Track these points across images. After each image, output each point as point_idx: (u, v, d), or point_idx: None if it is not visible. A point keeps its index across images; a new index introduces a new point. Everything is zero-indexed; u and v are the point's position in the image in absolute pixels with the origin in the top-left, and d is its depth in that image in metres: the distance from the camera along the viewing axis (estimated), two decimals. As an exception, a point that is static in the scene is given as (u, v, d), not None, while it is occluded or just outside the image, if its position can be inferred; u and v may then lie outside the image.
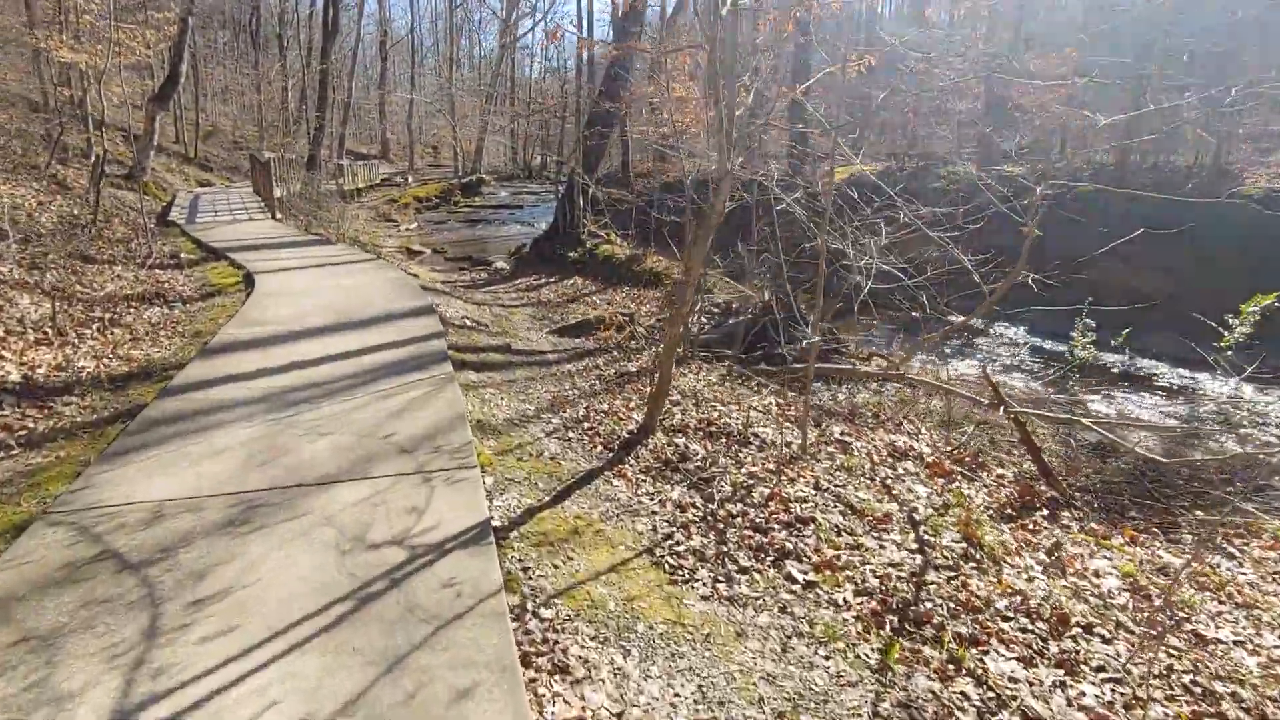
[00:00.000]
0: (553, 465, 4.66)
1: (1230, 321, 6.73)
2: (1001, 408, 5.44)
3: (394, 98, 47.37)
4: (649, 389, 6.69)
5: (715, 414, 6.06)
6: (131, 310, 7.89)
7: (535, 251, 17.19)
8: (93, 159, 12.41)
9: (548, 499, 4.14)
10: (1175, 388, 10.14)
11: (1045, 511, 5.23)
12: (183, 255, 10.93)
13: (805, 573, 3.74)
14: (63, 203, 12.79)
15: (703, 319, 11.49)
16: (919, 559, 4.00)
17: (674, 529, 4.04)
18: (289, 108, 31.63)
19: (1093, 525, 5.15)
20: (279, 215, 15.19)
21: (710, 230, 4.80)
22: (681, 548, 3.83)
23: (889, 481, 5.05)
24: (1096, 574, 4.33)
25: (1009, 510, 5.17)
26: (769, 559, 3.85)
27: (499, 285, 14.99)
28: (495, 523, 3.68)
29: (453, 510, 3.57)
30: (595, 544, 3.75)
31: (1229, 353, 6.63)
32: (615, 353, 8.16)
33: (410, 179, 38.34)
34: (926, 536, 4.24)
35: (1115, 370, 10.61)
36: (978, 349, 12.40)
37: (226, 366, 5.77)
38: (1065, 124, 19.75)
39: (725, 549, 3.87)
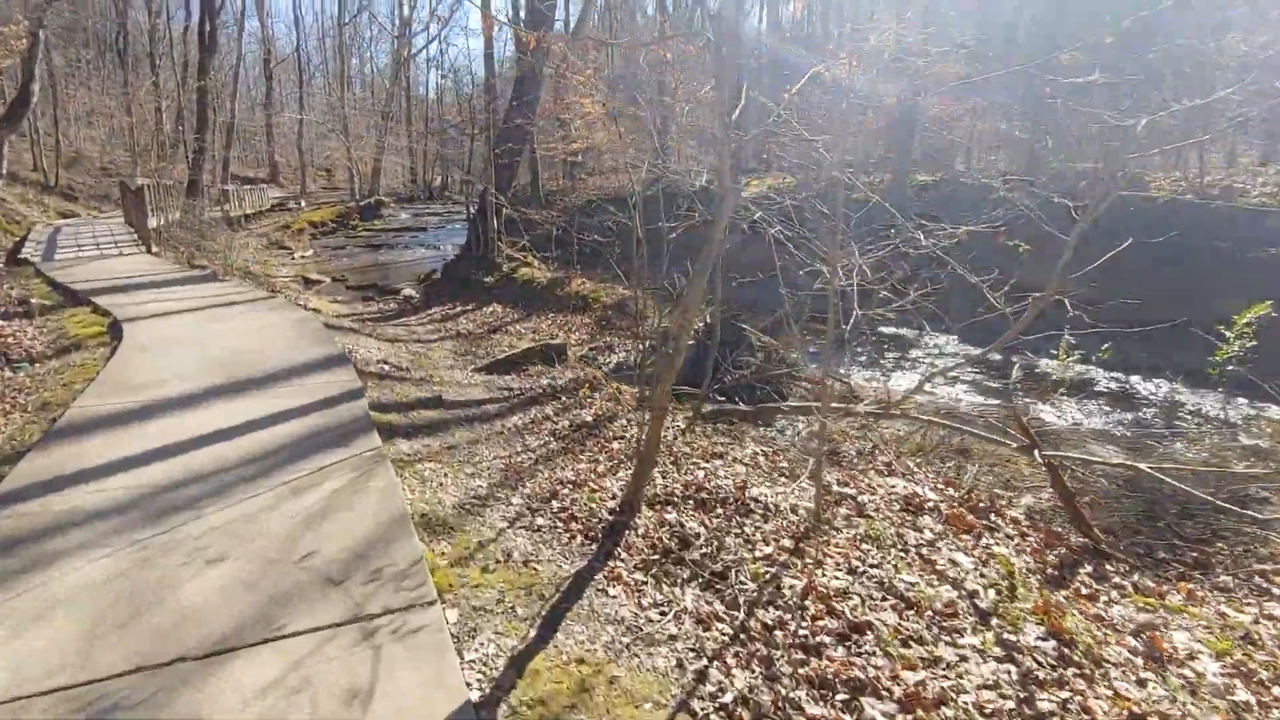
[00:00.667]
0: (528, 574, 3.54)
1: (1226, 333, 6.28)
2: (1035, 451, 4.68)
3: (281, 119, 44.53)
4: (615, 444, 5.64)
5: (701, 473, 5.07)
6: (-41, 378, 6.25)
7: (447, 277, 15.85)
8: (-81, 191, 10.36)
9: (534, 634, 3.03)
10: (1171, 402, 9.50)
11: (1089, 568, 4.50)
12: (34, 301, 9.11)
13: (892, 716, 2.79)
14: (-120, 243, 10.65)
15: (638, 346, 10.51)
16: (1013, 670, 3.12)
17: (706, 661, 3.01)
18: (164, 130, 28.92)
19: (1146, 582, 4.45)
20: (155, 249, 13.30)
21: (710, 261, 3.82)
22: (727, 697, 2.79)
23: (924, 551, 4.18)
24: (1191, 656, 3.58)
25: (1052, 570, 4.40)
26: (838, 696, 2.87)
27: (411, 317, 13.59)
28: (475, 695, 2.55)
29: (414, 689, 2.43)
30: (613, 704, 2.67)
31: (1229, 366, 6.17)
32: (564, 397, 7.05)
33: (303, 203, 35.91)
34: (1006, 636, 3.37)
35: (1106, 386, 10.11)
36: (919, 363, 11.89)
37: (80, 455, 4.36)
38: (971, 132, 19.95)
39: (780, 689, 2.87)
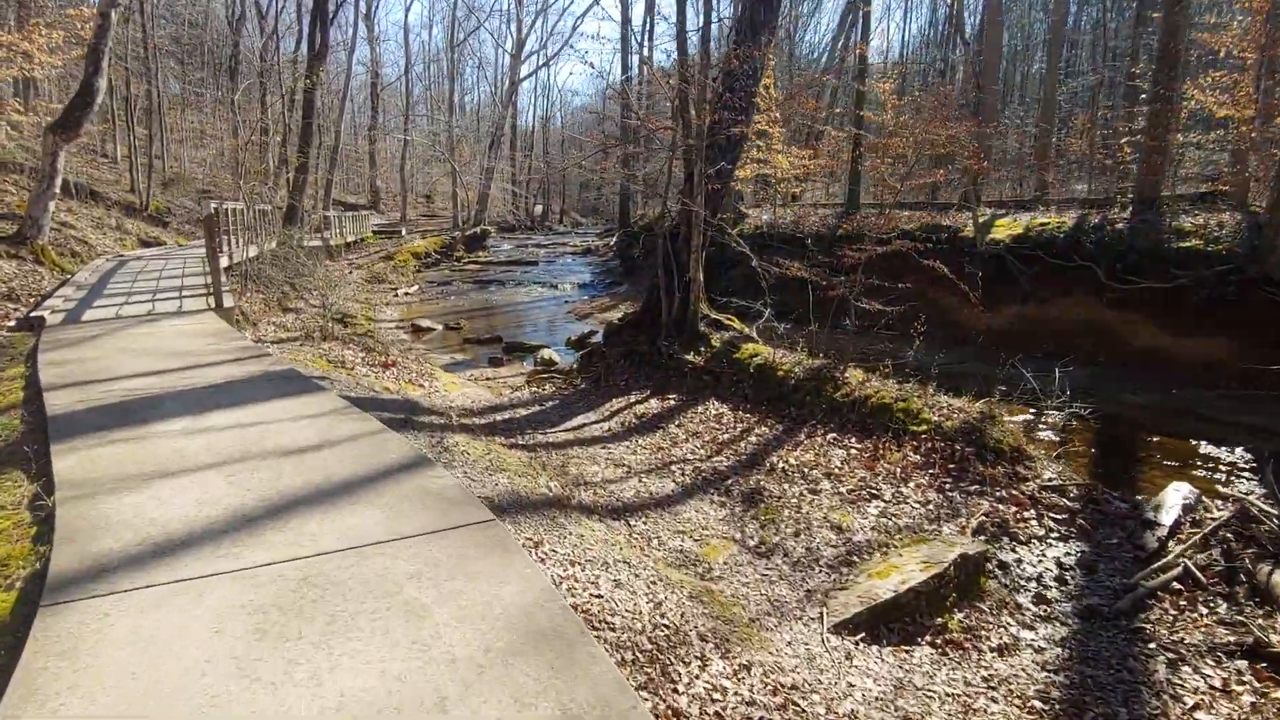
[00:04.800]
0: None
1: None
2: None
3: (384, 144, 40.95)
4: None
5: None
6: None
7: (617, 344, 10.82)
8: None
9: None
10: None
11: None
12: (-33, 434, 4.38)
13: None
14: None
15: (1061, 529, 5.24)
16: None
17: None
18: (269, 147, 25.04)
19: None
20: (228, 303, 8.65)
21: None
22: None
23: None
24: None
25: None
26: None
27: (589, 415, 8.57)
28: None
29: None
30: None
31: None
32: None
33: (404, 231, 31.87)
34: None
35: None
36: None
37: None
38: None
39: None
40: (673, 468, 6.58)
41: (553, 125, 44.29)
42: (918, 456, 6.50)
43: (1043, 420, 8.18)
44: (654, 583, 3.92)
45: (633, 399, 9.05)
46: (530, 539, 3.86)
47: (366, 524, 3.05)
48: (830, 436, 7.16)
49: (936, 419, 6.81)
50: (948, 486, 6.02)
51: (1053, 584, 4.82)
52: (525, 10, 30.67)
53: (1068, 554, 5.21)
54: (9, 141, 16.96)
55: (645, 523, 5.14)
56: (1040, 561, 5.11)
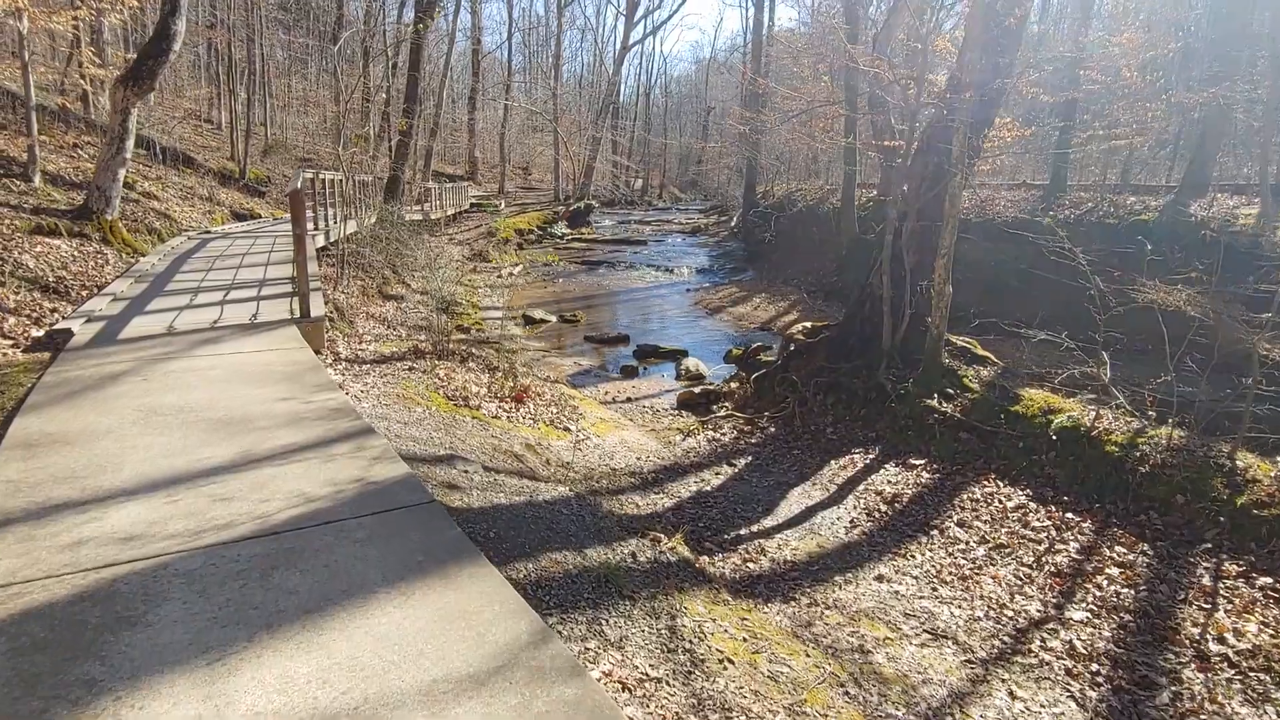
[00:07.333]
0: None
1: None
2: None
3: (483, 114, 38.75)
4: None
5: None
6: None
7: (809, 370, 7.94)
8: None
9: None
10: None
11: None
12: None
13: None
14: None
15: None
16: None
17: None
18: (370, 113, 23.00)
19: None
20: (317, 308, 6.24)
21: None
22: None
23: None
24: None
25: None
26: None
27: (807, 491, 5.78)
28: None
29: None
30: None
31: None
32: None
33: (503, 204, 29.62)
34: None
35: None
36: None
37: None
38: None
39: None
40: (1031, 644, 3.75)
41: (654, 96, 41.10)
42: None
43: None
44: None
45: (858, 463, 6.22)
46: None
47: None
48: (1263, 584, 4.16)
49: None
50: None
51: None
52: (641, -35, 27.49)
53: None
54: (101, 100, 15.24)
55: None
56: None
